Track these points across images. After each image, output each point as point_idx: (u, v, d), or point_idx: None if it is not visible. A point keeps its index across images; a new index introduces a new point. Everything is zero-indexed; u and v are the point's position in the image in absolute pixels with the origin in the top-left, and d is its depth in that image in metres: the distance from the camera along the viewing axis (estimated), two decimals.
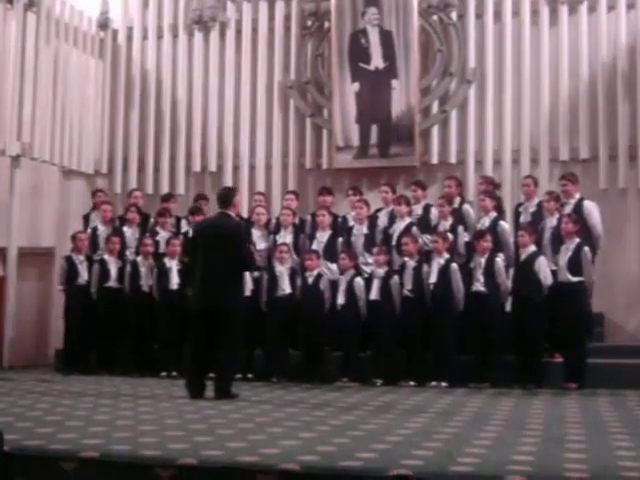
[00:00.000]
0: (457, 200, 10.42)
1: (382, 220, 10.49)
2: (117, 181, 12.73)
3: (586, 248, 9.17)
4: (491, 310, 9.24)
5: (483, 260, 9.36)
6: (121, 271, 10.65)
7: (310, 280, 9.87)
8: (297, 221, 10.69)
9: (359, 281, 9.72)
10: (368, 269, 9.96)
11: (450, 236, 9.73)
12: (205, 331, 7.78)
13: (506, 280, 9.40)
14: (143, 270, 10.50)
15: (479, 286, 9.33)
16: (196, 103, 12.57)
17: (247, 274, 9.63)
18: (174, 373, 9.88)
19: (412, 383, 9.30)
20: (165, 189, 12.33)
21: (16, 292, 11.33)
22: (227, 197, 8.19)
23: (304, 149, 12.20)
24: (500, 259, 9.45)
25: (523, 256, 9.35)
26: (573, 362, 9.03)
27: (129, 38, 12.94)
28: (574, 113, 11.24)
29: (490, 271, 9.31)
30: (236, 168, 12.38)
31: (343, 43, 11.80)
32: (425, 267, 9.53)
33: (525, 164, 11.29)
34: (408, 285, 9.53)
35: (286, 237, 10.43)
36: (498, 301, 9.37)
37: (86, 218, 11.55)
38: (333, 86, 11.84)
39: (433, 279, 9.43)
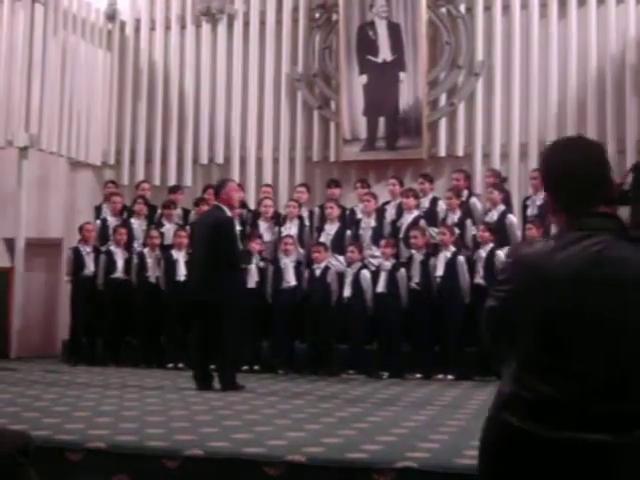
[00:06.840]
0: (465, 193, 10.41)
1: (390, 213, 10.49)
2: (124, 172, 12.71)
3: None
4: None
5: (484, 253, 9.37)
6: (128, 262, 10.68)
7: (317, 272, 9.87)
8: (305, 213, 10.70)
9: (365, 273, 9.71)
10: (375, 262, 9.96)
11: (457, 229, 9.73)
12: (202, 322, 7.83)
13: None
14: (150, 262, 10.52)
15: (479, 279, 9.34)
16: (204, 95, 12.55)
17: (253, 265, 9.67)
18: (181, 364, 9.89)
19: (418, 376, 9.31)
20: (172, 181, 12.32)
21: (24, 283, 11.35)
22: (217, 189, 8.24)
23: (311, 141, 12.17)
24: (502, 252, 9.42)
25: None
26: None
27: (137, 30, 12.91)
28: (582, 107, 11.20)
29: (490, 264, 9.30)
30: (243, 160, 12.36)
31: (351, 35, 11.76)
32: (432, 260, 9.52)
33: (533, 157, 11.24)
34: (415, 278, 9.52)
35: (291, 229, 10.44)
36: None
37: (98, 209, 11.56)
38: (341, 78, 11.81)
39: (440, 272, 9.42)
